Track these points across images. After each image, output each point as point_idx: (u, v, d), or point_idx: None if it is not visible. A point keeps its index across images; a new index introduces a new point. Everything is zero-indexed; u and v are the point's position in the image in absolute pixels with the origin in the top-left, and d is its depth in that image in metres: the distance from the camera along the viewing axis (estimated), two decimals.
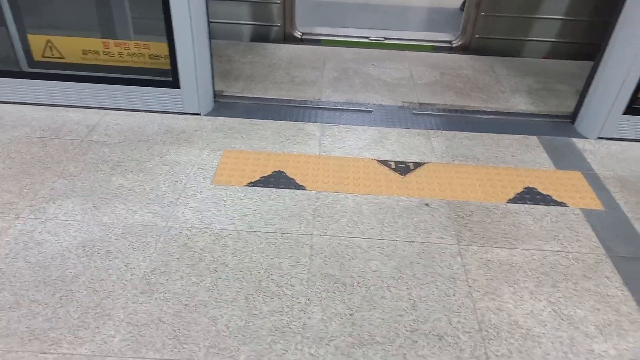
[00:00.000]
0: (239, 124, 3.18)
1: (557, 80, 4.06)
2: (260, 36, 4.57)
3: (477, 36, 4.46)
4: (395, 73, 4.05)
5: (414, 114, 3.43)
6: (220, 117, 3.24)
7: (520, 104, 3.66)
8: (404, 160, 2.90)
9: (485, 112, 3.50)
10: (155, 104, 3.20)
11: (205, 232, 2.29)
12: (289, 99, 3.54)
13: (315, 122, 3.25)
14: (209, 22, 3.05)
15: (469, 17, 4.40)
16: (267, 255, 2.18)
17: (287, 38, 4.56)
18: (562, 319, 1.97)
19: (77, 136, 2.95)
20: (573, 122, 3.39)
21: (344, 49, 4.46)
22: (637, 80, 2.97)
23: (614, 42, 2.98)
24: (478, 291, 2.07)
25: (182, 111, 3.23)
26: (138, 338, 1.79)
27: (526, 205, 2.58)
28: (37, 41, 3.07)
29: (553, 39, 4.47)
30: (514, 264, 2.22)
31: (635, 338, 1.91)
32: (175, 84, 3.11)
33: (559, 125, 3.38)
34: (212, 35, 4.50)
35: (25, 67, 3.17)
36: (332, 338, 1.83)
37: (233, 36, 4.57)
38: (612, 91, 3.05)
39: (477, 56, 4.44)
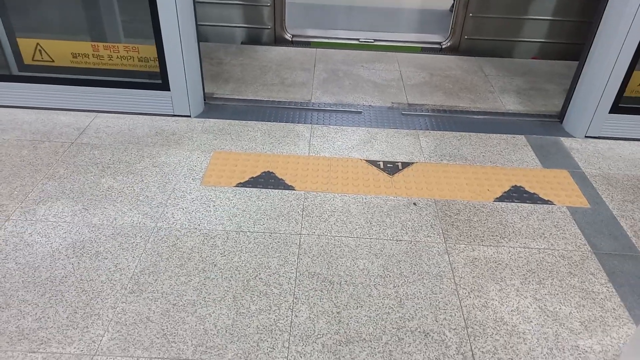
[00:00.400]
0: (229, 125, 3.20)
1: (545, 80, 4.10)
2: (252, 38, 4.60)
3: (466, 37, 4.50)
4: (384, 74, 4.08)
5: (403, 114, 3.46)
6: (210, 119, 3.25)
7: (509, 103, 3.70)
8: (393, 160, 2.92)
9: (473, 112, 3.54)
10: (145, 106, 3.22)
11: (194, 232, 2.30)
12: (279, 100, 3.56)
13: (305, 123, 3.28)
14: (197, 25, 3.07)
15: (457, 19, 4.44)
16: (255, 255, 2.19)
17: (278, 40, 4.59)
18: (547, 316, 1.99)
19: (68, 139, 2.96)
20: (561, 122, 3.43)
21: (334, 50, 4.49)
22: (621, 80, 3.01)
23: (597, 42, 3.03)
24: (464, 288, 2.09)
25: (172, 113, 3.24)
26: (126, 337, 1.80)
27: (513, 204, 2.61)
28: (26, 45, 3.08)
29: (541, 40, 4.52)
30: (500, 262, 2.24)
31: (620, 334, 1.94)
32: (164, 86, 3.13)
33: (547, 125, 3.42)
34: (204, 38, 4.55)
35: (15, 71, 3.17)
36: (318, 336, 1.85)
37: (225, 39, 4.59)
38: (597, 91, 3.09)
39: (466, 57, 4.48)
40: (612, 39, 2.91)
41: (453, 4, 4.75)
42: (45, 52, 3.11)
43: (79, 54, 3.09)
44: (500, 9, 4.35)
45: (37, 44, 3.09)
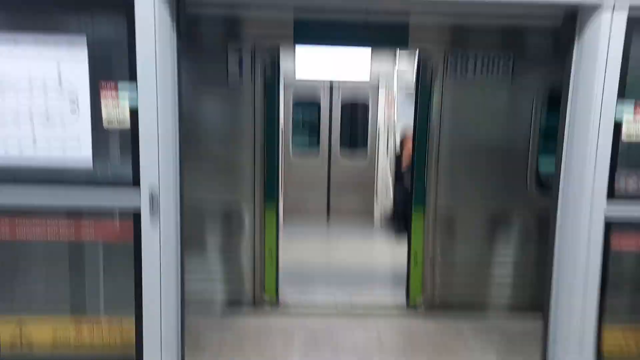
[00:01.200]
0: None
1: (522, 336, 4.11)
2: (231, 302, 4.66)
3: (439, 294, 4.65)
4: (362, 339, 4.10)
5: None
6: None
7: None
8: None
9: None
10: None
11: None
12: None
13: None
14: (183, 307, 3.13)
15: (426, 276, 4.67)
16: None
17: (257, 304, 4.67)
18: None
19: None
20: None
21: (313, 317, 4.53)
22: (593, 337, 2.99)
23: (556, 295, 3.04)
24: None
25: None
26: None
27: None
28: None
29: (514, 291, 4.68)
30: None
31: None
32: None
33: None
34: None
35: None
36: None
37: (203, 301, 4.62)
38: (573, 349, 3.03)
39: (442, 316, 4.54)
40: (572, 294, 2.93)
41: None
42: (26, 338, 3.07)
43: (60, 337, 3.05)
44: (467, 265, 4.61)
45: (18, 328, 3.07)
